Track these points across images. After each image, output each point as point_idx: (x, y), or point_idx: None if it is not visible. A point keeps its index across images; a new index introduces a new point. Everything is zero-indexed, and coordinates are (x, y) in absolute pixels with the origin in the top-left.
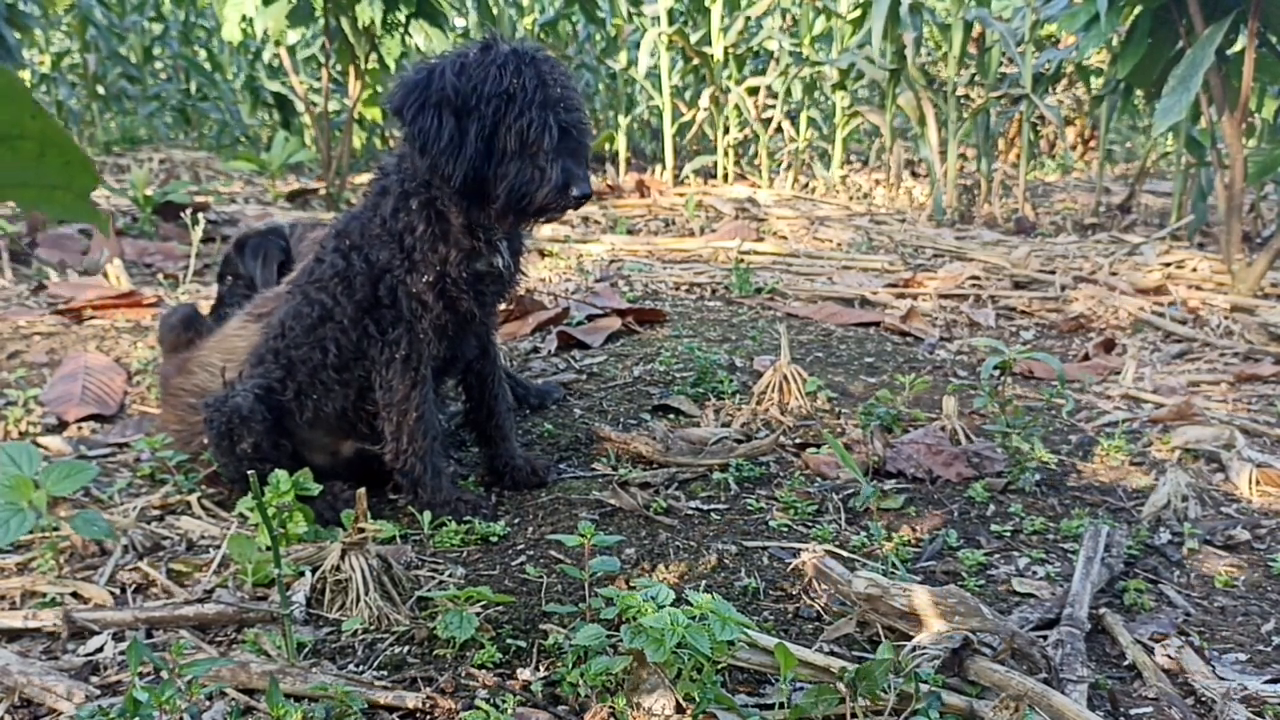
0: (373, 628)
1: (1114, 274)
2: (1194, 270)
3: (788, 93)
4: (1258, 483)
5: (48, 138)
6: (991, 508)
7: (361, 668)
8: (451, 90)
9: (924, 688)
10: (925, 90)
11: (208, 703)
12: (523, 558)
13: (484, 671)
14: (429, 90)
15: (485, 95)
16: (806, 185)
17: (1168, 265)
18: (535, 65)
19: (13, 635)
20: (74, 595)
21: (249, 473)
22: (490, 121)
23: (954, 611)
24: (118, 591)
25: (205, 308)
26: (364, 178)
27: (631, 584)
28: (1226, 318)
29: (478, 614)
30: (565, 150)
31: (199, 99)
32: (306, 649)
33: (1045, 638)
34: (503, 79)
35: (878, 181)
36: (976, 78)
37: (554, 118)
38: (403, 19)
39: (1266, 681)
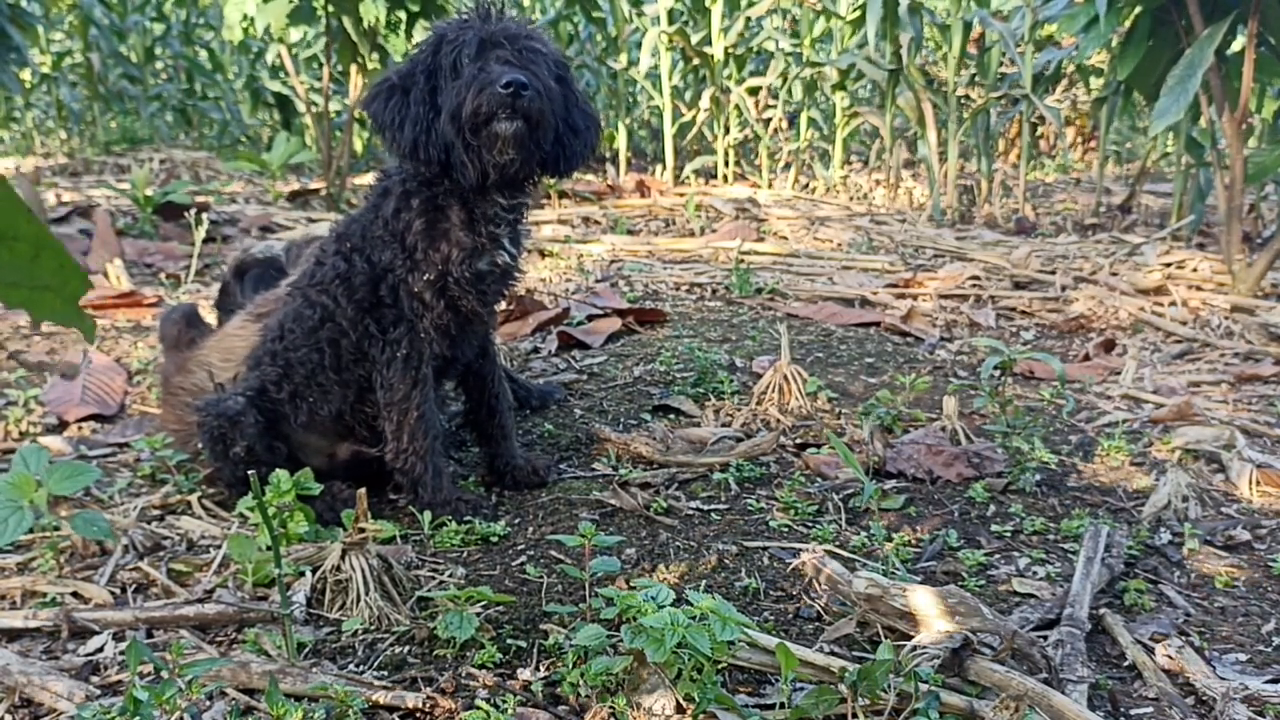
0: (373, 628)
1: (1114, 274)
2: (1194, 270)
3: (789, 94)
4: (1258, 483)
5: (42, 241)
6: (992, 508)
7: (361, 668)
8: (396, 74)
9: (923, 687)
10: (925, 91)
11: (208, 702)
12: (523, 558)
13: (484, 671)
14: (384, 80)
15: (421, 60)
16: (807, 185)
17: (1168, 265)
18: (470, 14)
19: (13, 635)
20: (74, 595)
21: (245, 475)
22: (425, 78)
23: (954, 611)
24: (118, 591)
25: (205, 308)
26: (365, 178)
27: (632, 584)
28: (1227, 318)
29: (478, 614)
30: (492, 58)
31: (200, 99)
32: (306, 649)
33: (1045, 638)
34: (437, 36)
35: (878, 182)
36: (976, 78)
37: (471, 35)
38: (404, 19)
39: (1267, 681)
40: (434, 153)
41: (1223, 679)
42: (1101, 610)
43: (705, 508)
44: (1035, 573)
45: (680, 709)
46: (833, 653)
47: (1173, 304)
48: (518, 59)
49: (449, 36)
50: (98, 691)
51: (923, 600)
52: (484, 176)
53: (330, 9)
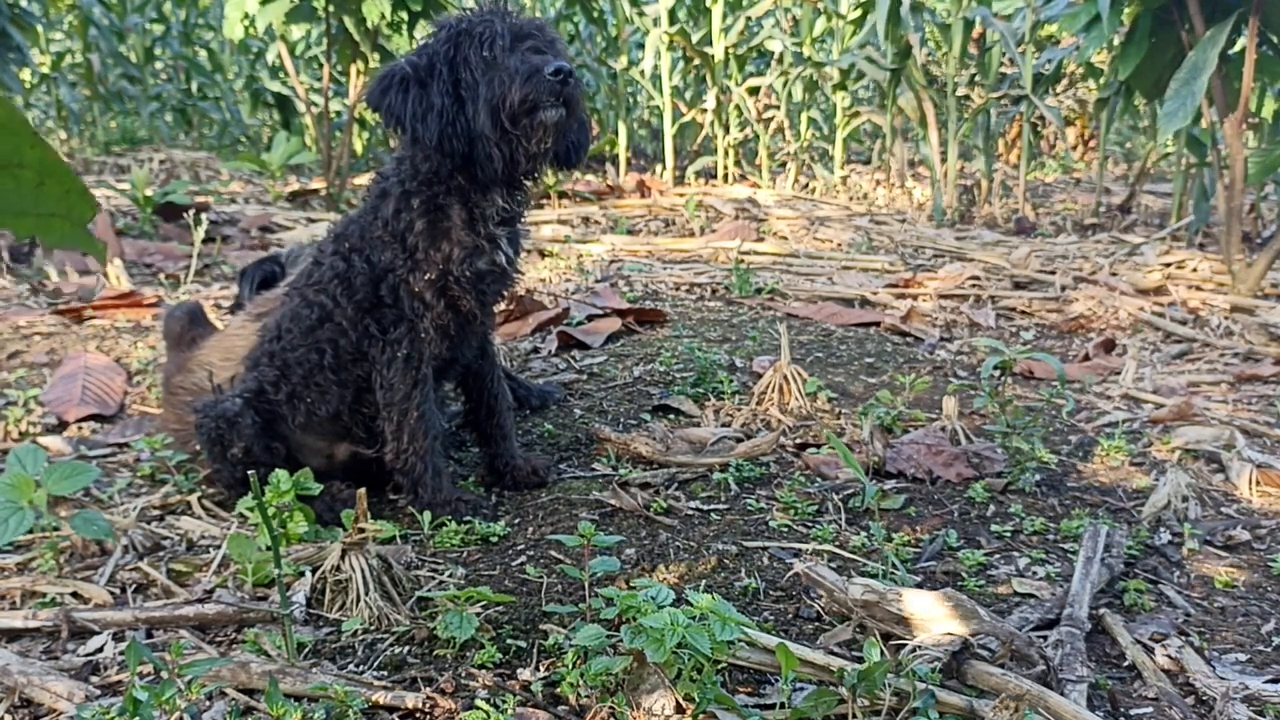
0: (373, 628)
1: (1114, 274)
2: (1194, 270)
3: (789, 95)
4: (1258, 483)
5: (47, 166)
6: (991, 508)
7: (361, 668)
8: (409, 67)
9: (920, 685)
10: (926, 90)
11: (208, 703)
12: (523, 558)
13: (484, 671)
14: (392, 74)
15: (439, 53)
16: (807, 185)
17: (1168, 266)
18: (483, 7)
19: (13, 635)
20: (74, 595)
21: (244, 476)
22: (447, 70)
23: (951, 615)
24: (118, 591)
25: (209, 308)
26: (365, 178)
27: (631, 584)
28: (1226, 318)
29: (478, 614)
30: (527, 49)
31: (200, 99)
32: (306, 649)
33: (1045, 638)
34: (453, 29)
35: (878, 182)
36: (977, 78)
37: (500, 24)
38: (407, 18)
39: (1267, 681)
40: (459, 145)
41: (1223, 679)
42: (1101, 610)
43: (705, 508)
44: (1035, 573)
45: (680, 709)
46: (832, 653)
47: (1172, 304)
48: (550, 49)
49: (473, 30)
50: (97, 691)
51: (919, 604)
52: (513, 166)
53: (331, 8)
